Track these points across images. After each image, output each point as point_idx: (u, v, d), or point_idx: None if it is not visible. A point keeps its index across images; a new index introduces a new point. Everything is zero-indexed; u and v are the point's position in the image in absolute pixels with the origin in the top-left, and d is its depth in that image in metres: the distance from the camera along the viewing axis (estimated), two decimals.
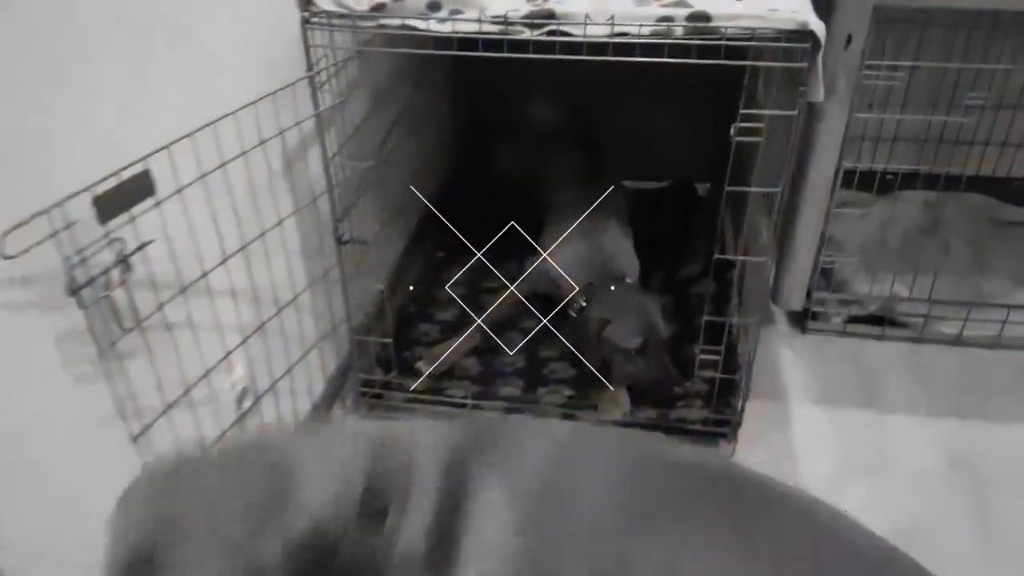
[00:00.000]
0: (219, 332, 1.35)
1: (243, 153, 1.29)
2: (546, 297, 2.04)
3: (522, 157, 2.40)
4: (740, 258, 1.53)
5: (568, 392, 1.87)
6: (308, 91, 1.42)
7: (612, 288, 1.86)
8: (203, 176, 1.21)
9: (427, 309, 2.14)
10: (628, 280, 1.91)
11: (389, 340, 1.75)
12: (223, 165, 1.25)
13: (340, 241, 1.56)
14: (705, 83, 1.80)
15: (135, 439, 1.14)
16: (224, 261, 1.29)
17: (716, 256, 1.52)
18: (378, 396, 1.84)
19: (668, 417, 1.77)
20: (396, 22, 1.31)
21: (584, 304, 1.87)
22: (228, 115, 1.23)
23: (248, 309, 1.42)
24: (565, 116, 2.45)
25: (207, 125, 1.20)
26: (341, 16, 1.31)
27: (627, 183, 2.59)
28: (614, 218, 2.05)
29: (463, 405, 1.81)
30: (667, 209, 2.51)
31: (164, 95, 1.20)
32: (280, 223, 1.42)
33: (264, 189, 1.41)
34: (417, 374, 1.90)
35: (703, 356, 1.61)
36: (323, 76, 1.39)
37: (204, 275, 1.26)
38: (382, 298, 2.06)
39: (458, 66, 2.62)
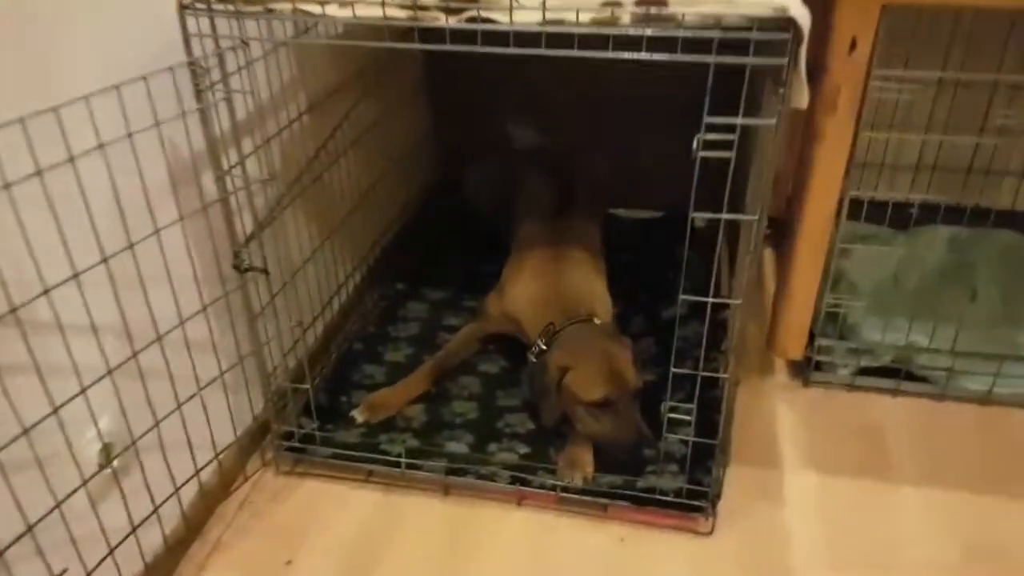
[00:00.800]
0: (74, 375, 1.11)
1: (99, 146, 1.06)
2: (509, 338, 1.79)
3: (494, 181, 2.16)
4: (705, 300, 1.26)
5: (523, 449, 1.61)
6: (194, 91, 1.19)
7: (575, 330, 1.60)
8: (39, 173, 0.99)
9: (376, 347, 1.90)
10: (596, 321, 1.65)
11: (306, 386, 1.51)
12: (71, 160, 1.03)
13: (239, 268, 1.32)
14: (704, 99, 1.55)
15: None
16: (74, 277, 1.06)
17: (681, 296, 1.25)
18: (300, 450, 1.59)
19: (636, 486, 1.50)
20: (286, 6, 1.08)
21: (544, 347, 1.61)
22: (77, 100, 1.01)
23: (117, 346, 1.19)
24: (545, 135, 2.21)
25: (49, 110, 0.98)
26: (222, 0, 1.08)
27: (618, 211, 2.36)
28: (585, 251, 1.79)
29: (397, 464, 1.55)
30: (655, 242, 2.25)
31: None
32: (152, 235, 1.19)
33: (139, 203, 1.18)
34: (353, 424, 1.66)
35: (674, 415, 1.35)
36: (210, 73, 1.16)
37: (43, 293, 1.02)
38: (325, 337, 1.83)
39: (428, 76, 2.40)
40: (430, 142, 2.46)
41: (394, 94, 2.11)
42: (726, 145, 1.06)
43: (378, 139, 2.00)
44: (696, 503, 1.45)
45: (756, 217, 1.13)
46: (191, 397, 1.32)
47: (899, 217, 1.88)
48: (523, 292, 1.73)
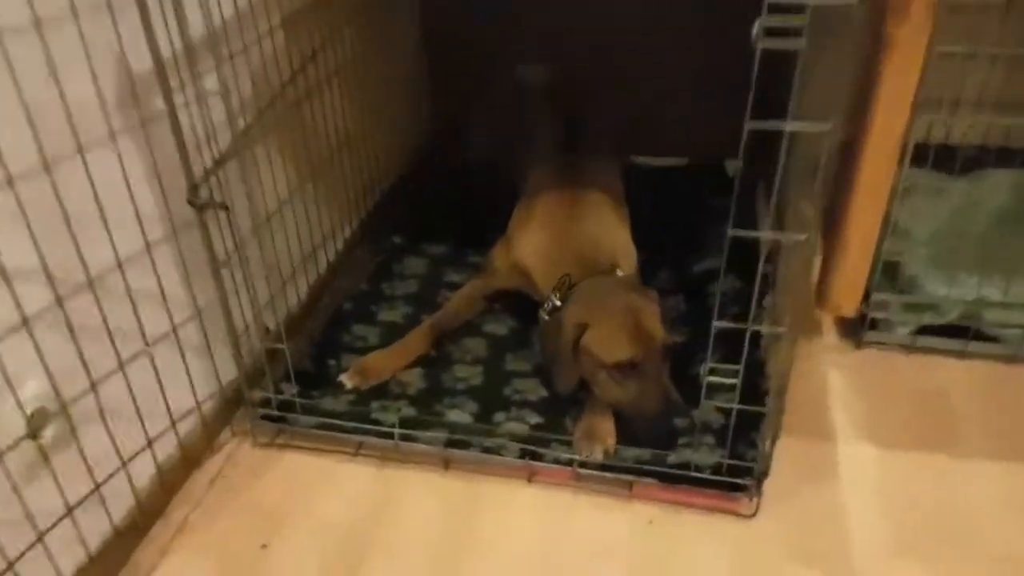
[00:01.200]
0: None
1: None
2: (517, 293, 1.57)
3: (499, 122, 1.93)
4: (765, 235, 1.04)
5: (535, 419, 1.40)
6: None
7: (594, 283, 1.39)
8: None
9: (369, 306, 1.69)
10: (618, 273, 1.44)
11: (282, 346, 1.30)
12: None
13: (195, 204, 1.11)
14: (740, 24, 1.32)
15: None
16: None
17: (731, 231, 1.03)
18: (280, 419, 1.39)
19: (666, 461, 1.29)
20: None
21: (558, 303, 1.40)
22: None
23: (42, 295, 0.98)
24: (556, 73, 1.98)
25: None
26: None
27: (638, 160, 2.13)
28: (604, 194, 1.57)
29: (390, 435, 1.34)
30: (683, 190, 2.02)
31: None
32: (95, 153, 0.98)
33: (58, 116, 0.97)
34: (341, 391, 1.45)
35: (713, 378, 1.13)
36: None
37: None
38: (311, 295, 1.62)
39: (423, 8, 2.16)
40: (428, 84, 2.23)
41: (381, 23, 1.88)
42: (794, 32, 0.83)
43: (366, 75, 1.77)
44: (738, 481, 1.24)
45: (828, 127, 0.90)
46: (134, 356, 1.12)
47: (954, 161, 1.65)
48: (534, 241, 1.51)
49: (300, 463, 1.37)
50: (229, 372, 1.36)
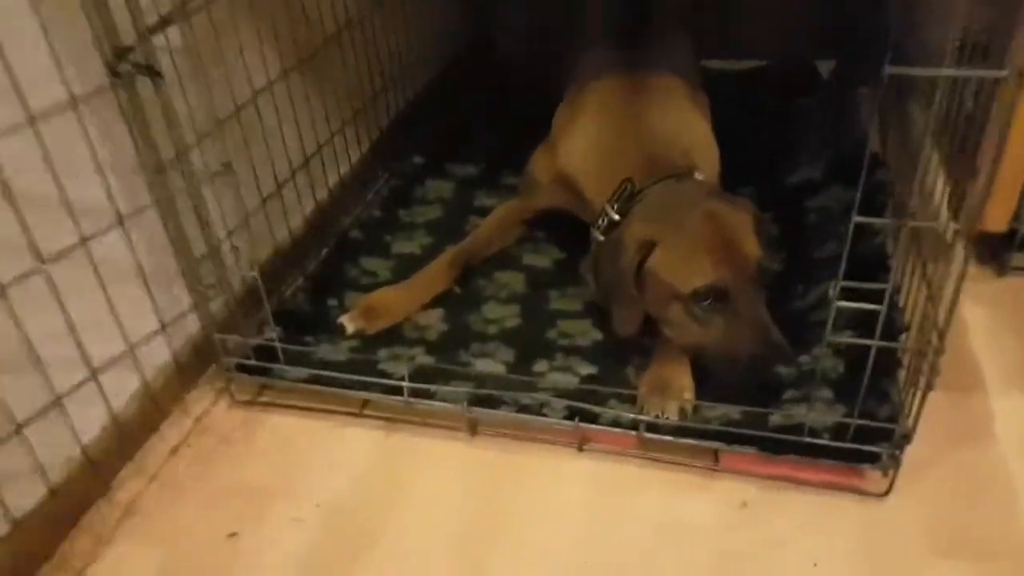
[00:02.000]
0: None
1: None
2: (564, 214, 1.25)
3: (538, 28, 1.59)
4: (887, 222, 0.70)
5: (586, 369, 1.08)
6: None
7: (666, 189, 1.06)
8: None
9: (382, 236, 1.38)
10: (698, 177, 1.10)
11: (253, 273, 0.99)
12: None
13: (114, 70, 0.80)
14: None
15: None
16: None
17: (856, 217, 0.69)
18: (263, 371, 1.09)
19: (766, 422, 0.96)
20: None
21: (616, 217, 1.07)
22: None
23: None
24: None
25: None
26: None
27: (710, 63, 1.77)
28: (676, 78, 1.22)
29: (399, 391, 1.04)
30: (761, 97, 1.65)
31: None
32: None
33: None
34: (342, 335, 1.16)
35: (844, 303, 0.79)
36: None
37: None
38: (309, 222, 1.32)
39: None
40: None
41: None
42: None
43: None
44: (869, 448, 0.91)
45: (1004, 72, 0.57)
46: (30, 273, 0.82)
47: None
48: (584, 140, 1.18)
49: (287, 427, 1.08)
50: (180, 308, 1.07)
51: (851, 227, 0.72)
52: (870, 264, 1.10)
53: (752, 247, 0.99)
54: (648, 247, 1.00)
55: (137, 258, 0.97)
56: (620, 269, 1.02)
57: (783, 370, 0.99)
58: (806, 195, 1.34)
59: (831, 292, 0.78)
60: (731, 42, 1.75)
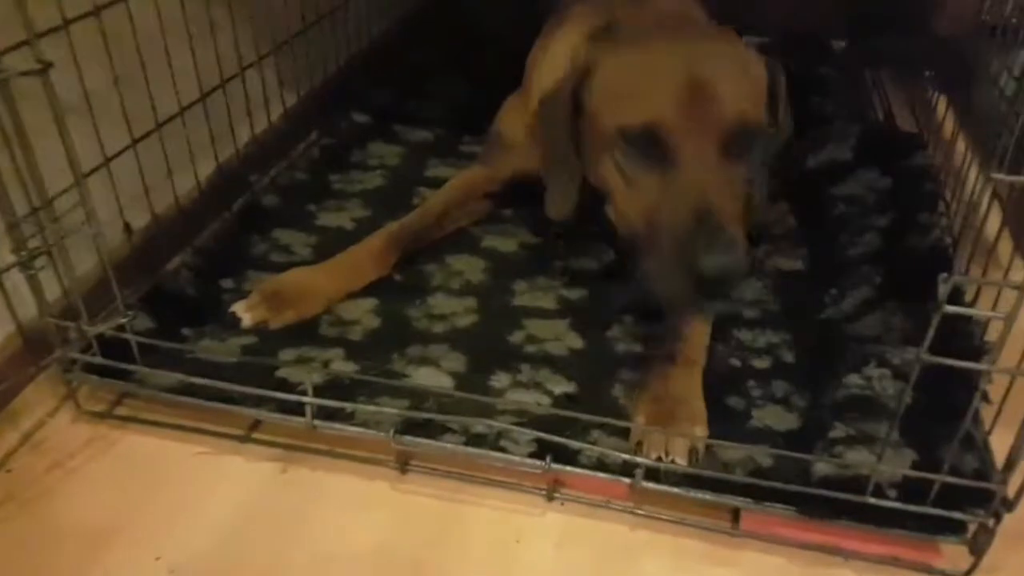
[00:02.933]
0: None
1: None
2: (538, 186, 0.97)
3: None
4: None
5: (561, 388, 0.81)
6: None
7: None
8: None
9: (304, 204, 1.09)
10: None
11: (96, 230, 0.70)
12: None
13: None
14: None
15: None
16: None
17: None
18: (121, 375, 0.79)
19: (808, 471, 0.69)
20: None
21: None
22: None
23: None
24: None
25: None
26: None
27: None
28: None
29: (300, 411, 0.75)
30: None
31: None
32: None
33: None
34: (234, 330, 0.86)
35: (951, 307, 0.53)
36: None
37: None
38: (209, 183, 1.03)
39: None
40: None
41: None
42: None
43: None
44: (946, 513, 0.65)
45: None
46: None
47: None
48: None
49: (147, 451, 0.78)
50: (53, 292, 0.77)
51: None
52: (927, 268, 0.86)
53: (732, 96, 0.72)
54: (584, 73, 0.78)
55: None
56: (554, 113, 0.80)
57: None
58: (831, 180, 1.09)
59: (939, 281, 0.51)
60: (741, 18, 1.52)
